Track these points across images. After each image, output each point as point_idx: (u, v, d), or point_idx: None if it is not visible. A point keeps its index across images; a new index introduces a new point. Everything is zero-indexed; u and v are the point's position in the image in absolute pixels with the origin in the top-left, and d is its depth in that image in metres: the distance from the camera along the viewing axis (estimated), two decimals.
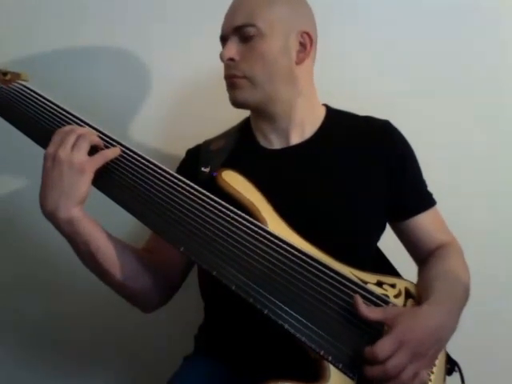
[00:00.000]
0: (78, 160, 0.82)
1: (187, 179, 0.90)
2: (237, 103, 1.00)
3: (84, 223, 0.84)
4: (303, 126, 1.03)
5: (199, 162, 1.06)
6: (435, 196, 1.07)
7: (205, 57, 1.32)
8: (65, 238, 0.86)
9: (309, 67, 1.02)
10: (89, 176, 0.84)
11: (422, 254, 1.04)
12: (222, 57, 0.97)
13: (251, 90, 0.97)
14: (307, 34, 0.99)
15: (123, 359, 1.48)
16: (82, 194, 0.83)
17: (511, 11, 1.36)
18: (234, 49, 0.96)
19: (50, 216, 0.83)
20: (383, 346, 0.77)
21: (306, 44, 0.99)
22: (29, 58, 1.35)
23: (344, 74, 1.32)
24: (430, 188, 1.07)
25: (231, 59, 0.97)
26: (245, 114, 1.07)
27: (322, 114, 1.06)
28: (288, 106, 1.00)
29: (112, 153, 0.89)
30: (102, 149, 0.88)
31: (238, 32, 0.96)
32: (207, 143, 1.11)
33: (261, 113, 1.02)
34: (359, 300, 0.83)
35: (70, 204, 0.82)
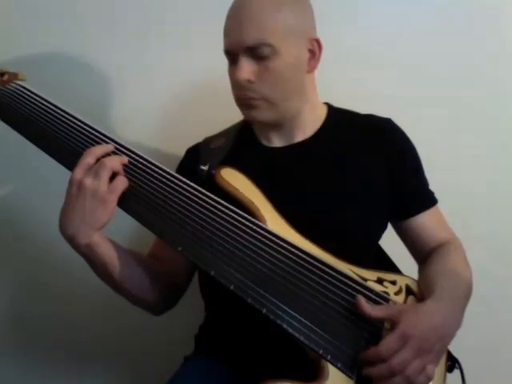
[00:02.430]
0: (100, 192, 0.82)
1: (187, 178, 0.90)
2: (254, 121, 1.00)
3: (102, 247, 0.85)
4: (305, 125, 1.03)
5: (199, 160, 1.05)
6: (436, 195, 1.06)
7: (204, 57, 1.33)
8: (82, 257, 0.87)
9: (314, 71, 1.02)
10: (111, 207, 0.84)
11: (423, 253, 1.04)
12: (235, 78, 0.93)
13: (269, 110, 0.96)
14: (316, 40, 0.98)
15: (123, 359, 1.48)
16: (103, 223, 0.84)
17: None
18: (248, 69, 0.92)
19: (70, 239, 0.84)
20: (388, 344, 0.77)
21: (315, 51, 0.98)
22: (26, 58, 1.34)
23: (344, 73, 1.32)
24: (430, 187, 1.07)
25: (247, 81, 0.93)
26: None
27: (323, 112, 1.06)
28: (296, 112, 1.00)
29: (122, 161, 0.88)
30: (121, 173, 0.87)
31: (250, 51, 0.92)
32: (207, 141, 1.11)
33: (270, 122, 1.01)
34: (362, 300, 0.83)
35: (90, 231, 0.83)
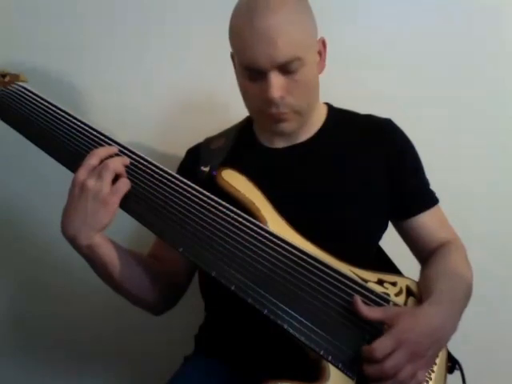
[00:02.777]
0: (103, 193, 0.82)
1: (187, 179, 0.89)
2: (284, 134, 0.99)
3: (103, 248, 0.85)
4: (309, 126, 1.02)
5: (199, 161, 1.05)
6: (436, 195, 1.06)
7: (204, 58, 1.33)
8: (83, 258, 0.86)
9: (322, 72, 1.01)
10: (113, 209, 0.83)
11: (425, 253, 1.04)
12: (267, 96, 0.90)
13: (297, 120, 0.96)
14: (322, 40, 0.97)
15: (123, 359, 1.48)
16: (105, 224, 0.84)
17: None
18: (280, 85, 0.90)
19: (71, 240, 0.83)
20: (381, 345, 0.77)
21: (322, 51, 0.98)
22: (26, 58, 1.34)
23: (344, 73, 1.32)
24: (431, 187, 1.07)
25: (280, 97, 0.91)
26: (246, 114, 1.07)
27: (323, 112, 1.06)
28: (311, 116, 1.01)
29: (124, 163, 0.88)
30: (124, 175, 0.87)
31: (280, 67, 0.89)
32: (207, 142, 1.11)
33: (295, 131, 1.00)
34: (358, 300, 0.83)
35: (92, 232, 0.83)
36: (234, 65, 0.99)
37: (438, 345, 0.83)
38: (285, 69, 0.89)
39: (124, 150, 0.91)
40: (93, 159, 0.85)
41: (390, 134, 1.03)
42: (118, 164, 0.86)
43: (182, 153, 1.14)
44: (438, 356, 0.86)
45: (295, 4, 0.91)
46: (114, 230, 0.88)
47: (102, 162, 0.85)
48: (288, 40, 0.87)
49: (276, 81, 0.90)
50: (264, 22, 0.87)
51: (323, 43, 0.98)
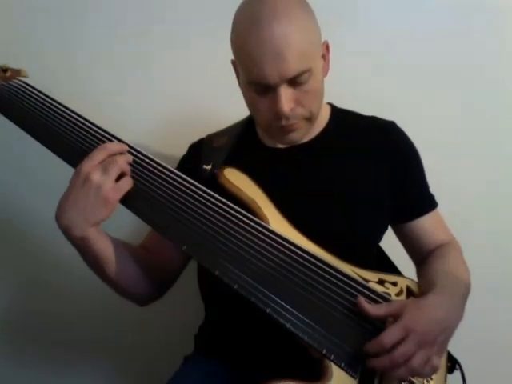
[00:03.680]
0: (105, 188, 0.81)
1: (188, 175, 0.89)
2: (293, 143, 0.99)
3: (96, 241, 0.84)
4: (313, 127, 1.01)
5: (201, 158, 1.05)
6: (436, 195, 1.07)
7: (204, 58, 1.33)
8: (75, 249, 0.86)
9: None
10: (112, 206, 0.82)
11: (422, 255, 1.04)
12: (277, 110, 0.88)
13: (306, 127, 0.96)
14: (325, 44, 0.96)
15: (123, 359, 1.48)
16: (101, 219, 0.82)
17: None
18: (289, 98, 0.88)
19: (64, 230, 0.82)
20: (390, 334, 0.77)
21: (325, 54, 0.97)
22: (26, 58, 1.33)
23: (344, 73, 1.31)
24: (431, 188, 1.07)
25: (290, 110, 0.90)
26: (247, 113, 1.07)
27: (327, 113, 1.06)
28: None
29: (127, 160, 0.87)
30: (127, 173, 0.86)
31: (290, 80, 0.87)
32: (210, 139, 1.10)
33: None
34: (362, 300, 0.83)
35: (87, 225, 0.81)
36: (236, 72, 0.98)
37: (446, 333, 0.83)
38: (294, 81, 0.88)
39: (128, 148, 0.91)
40: (101, 153, 0.84)
41: (393, 136, 1.03)
42: (125, 162, 0.85)
43: (181, 152, 1.13)
44: (447, 344, 0.86)
45: (301, 9, 0.89)
46: (113, 227, 0.88)
47: (109, 157, 0.84)
48: (298, 53, 0.85)
49: (285, 94, 0.88)
50: (271, 32, 0.84)
51: (327, 47, 0.97)
